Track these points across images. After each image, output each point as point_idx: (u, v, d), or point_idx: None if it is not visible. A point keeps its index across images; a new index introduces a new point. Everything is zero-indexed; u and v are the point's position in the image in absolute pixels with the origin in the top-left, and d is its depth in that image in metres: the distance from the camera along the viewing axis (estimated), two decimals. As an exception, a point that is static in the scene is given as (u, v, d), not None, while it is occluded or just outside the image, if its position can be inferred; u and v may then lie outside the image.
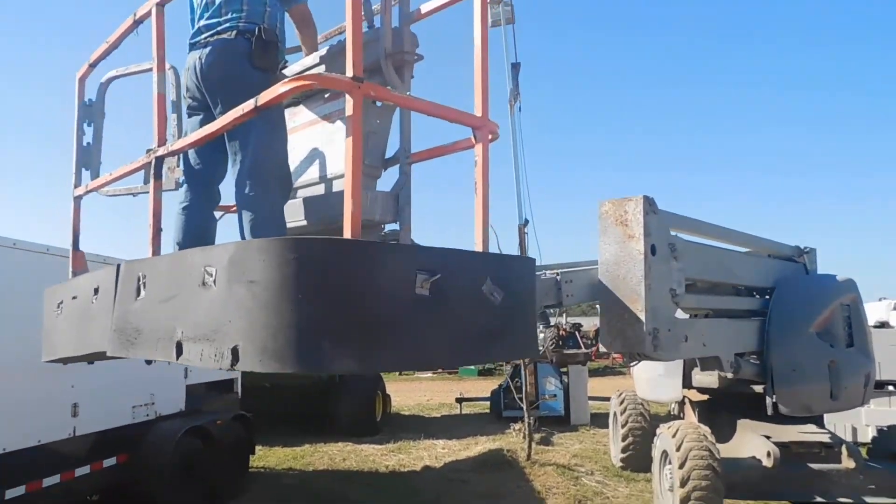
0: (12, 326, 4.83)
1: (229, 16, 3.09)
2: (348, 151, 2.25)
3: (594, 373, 20.62)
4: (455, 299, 2.30)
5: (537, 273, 4.16)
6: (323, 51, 3.41)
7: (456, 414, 15.09)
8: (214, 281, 2.20)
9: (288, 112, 3.65)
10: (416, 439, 11.51)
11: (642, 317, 3.46)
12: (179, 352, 2.32)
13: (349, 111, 2.26)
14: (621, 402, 9.29)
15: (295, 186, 3.43)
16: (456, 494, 8.22)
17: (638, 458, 8.69)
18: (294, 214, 3.23)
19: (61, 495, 5.64)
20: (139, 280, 2.63)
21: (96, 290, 2.95)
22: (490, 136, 2.82)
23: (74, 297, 3.18)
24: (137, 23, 3.12)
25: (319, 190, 3.32)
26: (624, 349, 3.70)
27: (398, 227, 3.18)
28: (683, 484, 5.89)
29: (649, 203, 3.68)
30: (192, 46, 3.17)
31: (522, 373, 10.73)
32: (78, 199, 3.55)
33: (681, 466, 5.96)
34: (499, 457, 9.97)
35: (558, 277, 3.88)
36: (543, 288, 3.82)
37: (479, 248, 2.63)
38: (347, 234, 2.20)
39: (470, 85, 2.75)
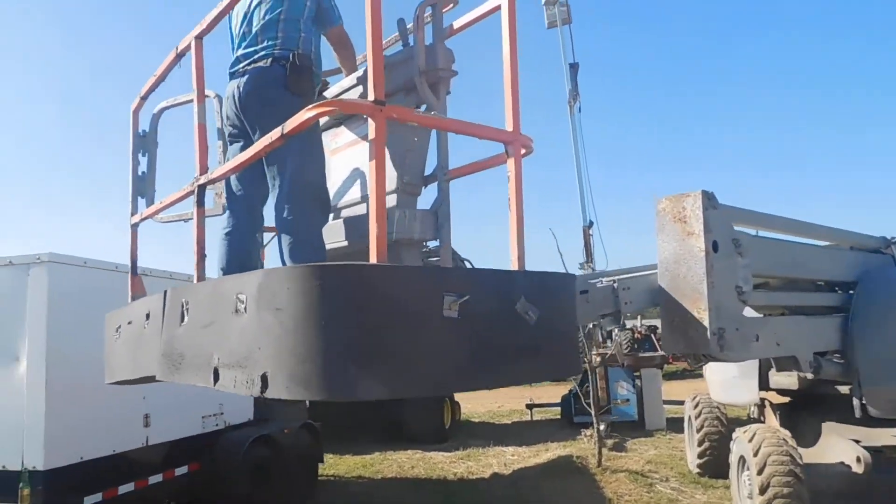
0: (86, 342, 5.03)
1: (265, 44, 3.17)
2: (371, 175, 2.24)
3: (672, 376, 19.99)
4: (487, 320, 2.26)
5: (593, 281, 4.07)
6: (360, 71, 3.43)
7: (526, 420, 14.96)
8: (245, 308, 2.24)
9: (330, 133, 3.70)
10: (485, 446, 11.47)
11: (706, 316, 3.33)
12: (216, 378, 2.37)
13: (371, 135, 2.26)
14: (696, 406, 8.94)
15: (338, 206, 3.47)
16: (525, 502, 8.13)
17: (716, 464, 8.31)
18: (335, 235, 3.26)
19: (136, 502, 5.91)
20: (183, 306, 2.71)
21: (148, 316, 3.07)
22: (524, 151, 2.76)
23: (130, 322, 3.32)
24: (180, 56, 3.22)
25: (361, 210, 3.33)
26: (688, 350, 3.56)
27: (438, 244, 3.16)
28: (763, 491, 5.58)
29: (708, 198, 3.54)
30: (232, 76, 3.27)
31: (591, 377, 10.50)
32: (134, 226, 3.70)
33: (759, 472, 5.65)
34: (569, 463, 9.82)
35: (615, 285, 3.76)
36: (600, 296, 3.72)
37: (514, 264, 2.57)
38: (373, 259, 2.20)
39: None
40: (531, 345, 2.38)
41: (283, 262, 3.02)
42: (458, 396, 13.40)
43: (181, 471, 6.57)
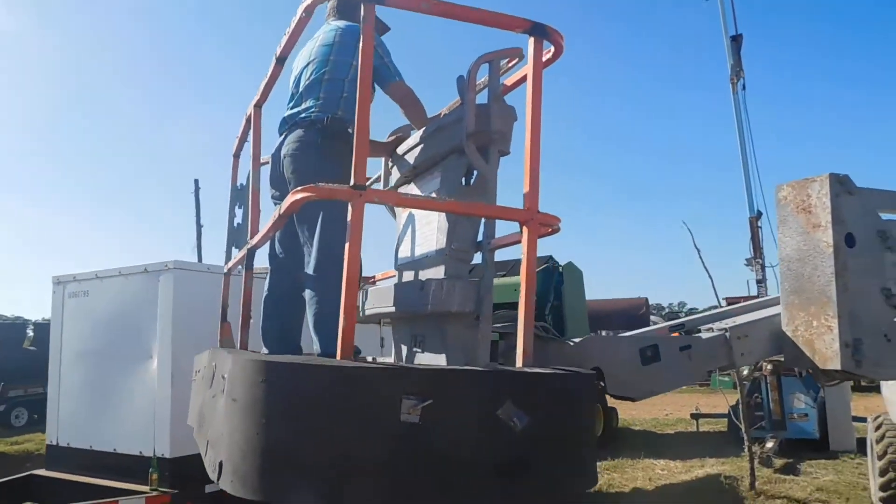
0: (209, 340, 5.21)
1: (307, 104, 3.14)
2: (345, 260, 2.14)
3: (867, 388, 16.61)
4: (455, 426, 2.04)
5: (703, 326, 3.65)
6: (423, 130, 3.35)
7: (692, 431, 13.48)
8: (224, 390, 2.26)
9: (402, 189, 3.64)
10: (636, 458, 10.46)
11: (835, 324, 2.85)
12: (206, 451, 2.42)
13: (349, 218, 2.17)
14: (877, 428, 7.33)
15: (397, 269, 3.41)
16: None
17: (902, 497, 6.78)
18: (384, 300, 3.19)
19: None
20: (214, 370, 2.82)
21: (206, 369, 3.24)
22: (549, 230, 2.49)
23: (199, 371, 3.54)
24: (248, 121, 3.37)
25: (407, 276, 3.23)
26: (814, 365, 3.04)
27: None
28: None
29: (840, 182, 3.00)
30: (279, 136, 3.32)
31: (740, 386, 8.97)
32: (227, 274, 3.93)
33: None
34: (719, 483, 8.61)
35: (727, 334, 3.30)
36: (706, 349, 3.30)
37: (518, 361, 2.31)
38: (339, 355, 2.10)
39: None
40: (516, 458, 2.10)
41: (311, 331, 3.01)
42: (620, 403, 12.38)
43: None
